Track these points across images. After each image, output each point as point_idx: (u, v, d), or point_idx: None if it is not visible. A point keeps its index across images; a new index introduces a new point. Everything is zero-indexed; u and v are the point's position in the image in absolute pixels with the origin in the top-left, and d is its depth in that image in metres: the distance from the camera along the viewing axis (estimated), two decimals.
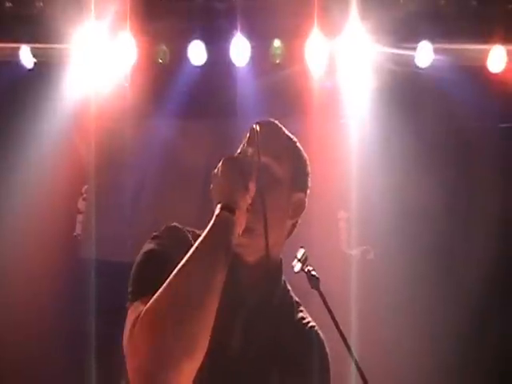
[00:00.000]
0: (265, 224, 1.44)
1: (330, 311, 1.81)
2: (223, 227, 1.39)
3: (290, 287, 1.68)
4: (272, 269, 1.57)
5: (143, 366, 1.27)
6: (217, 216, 1.40)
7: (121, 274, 1.74)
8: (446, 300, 3.80)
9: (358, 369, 1.65)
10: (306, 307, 1.72)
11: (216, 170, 1.49)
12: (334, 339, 1.70)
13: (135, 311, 1.35)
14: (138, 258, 1.52)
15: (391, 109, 3.50)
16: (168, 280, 1.32)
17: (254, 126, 1.56)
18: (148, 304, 1.31)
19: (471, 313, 3.77)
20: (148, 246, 1.52)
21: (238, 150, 1.60)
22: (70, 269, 4.43)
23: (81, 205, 4.63)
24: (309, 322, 1.65)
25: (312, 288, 1.83)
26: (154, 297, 1.31)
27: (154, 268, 1.44)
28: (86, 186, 4.60)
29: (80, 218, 4.63)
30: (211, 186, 1.50)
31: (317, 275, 1.81)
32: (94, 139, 4.46)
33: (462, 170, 3.90)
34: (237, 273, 1.50)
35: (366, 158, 3.62)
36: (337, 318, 1.94)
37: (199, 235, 1.45)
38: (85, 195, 4.62)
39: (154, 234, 1.56)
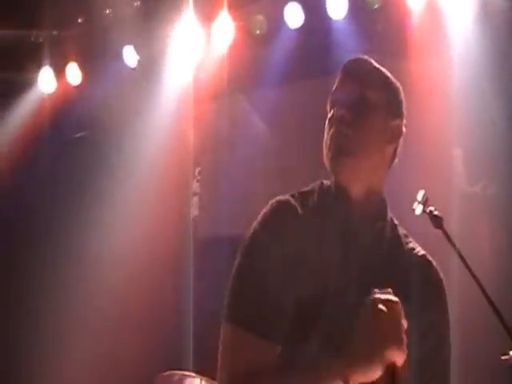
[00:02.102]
0: None
1: (457, 250, 1.80)
2: None
3: (396, 221, 1.67)
4: (377, 202, 1.59)
5: None
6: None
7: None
8: None
9: (491, 304, 1.63)
10: None
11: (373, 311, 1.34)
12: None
13: (229, 341, 1.45)
14: (238, 266, 1.51)
15: (499, 36, 3.43)
16: None
17: (348, 63, 1.65)
18: None
19: None
20: (249, 249, 1.53)
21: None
22: (190, 250, 4.60)
23: (196, 187, 4.81)
24: (419, 251, 1.64)
25: (436, 228, 1.83)
26: None
27: (251, 289, 1.46)
28: (198, 168, 4.78)
29: (196, 199, 4.81)
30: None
31: (439, 214, 1.81)
32: (200, 122, 4.64)
33: None
34: (343, 213, 1.53)
35: (477, 91, 3.56)
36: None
37: (307, 193, 1.57)
38: (198, 177, 4.80)
39: (263, 217, 1.56)
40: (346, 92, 1.58)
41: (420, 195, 1.89)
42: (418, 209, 1.88)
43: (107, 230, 4.77)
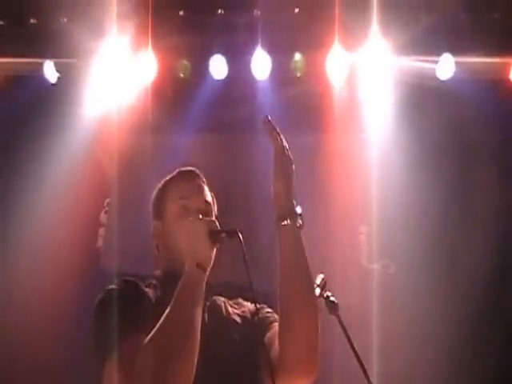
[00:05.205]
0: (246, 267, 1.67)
1: (348, 338, 1.80)
2: (198, 283, 1.68)
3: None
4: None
5: None
6: (191, 274, 1.69)
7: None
8: (467, 314, 3.77)
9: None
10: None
11: (188, 224, 1.76)
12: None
13: (130, 350, 1.58)
14: (103, 311, 1.72)
15: (412, 122, 3.48)
16: (157, 337, 1.58)
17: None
18: (139, 360, 1.55)
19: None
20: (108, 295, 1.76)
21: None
22: (91, 280, 4.46)
23: (103, 218, 4.66)
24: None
25: (330, 314, 1.82)
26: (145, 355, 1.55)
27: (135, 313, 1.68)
28: (108, 199, 4.63)
29: (102, 230, 4.66)
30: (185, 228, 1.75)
31: (335, 301, 1.80)
32: (115, 153, 4.49)
33: (485, 184, 3.86)
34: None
35: (387, 173, 3.60)
36: (357, 333, 1.93)
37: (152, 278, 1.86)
38: (107, 208, 4.65)
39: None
40: (203, 191, 1.94)
41: (319, 279, 1.88)
42: (316, 292, 1.87)
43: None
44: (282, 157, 1.77)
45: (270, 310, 1.91)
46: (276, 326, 1.80)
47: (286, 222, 1.74)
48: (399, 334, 3.74)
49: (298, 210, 1.78)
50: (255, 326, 1.81)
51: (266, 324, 1.84)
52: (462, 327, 3.75)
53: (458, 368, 3.73)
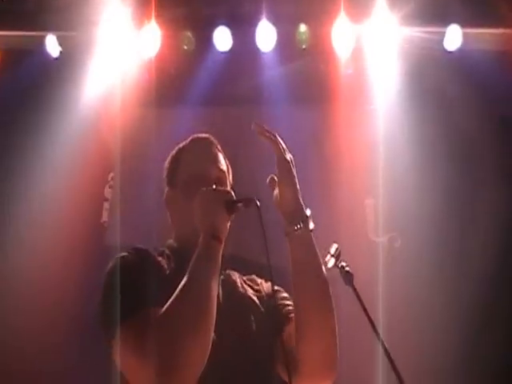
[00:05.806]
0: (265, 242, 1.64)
1: (363, 308, 1.78)
2: (214, 254, 1.64)
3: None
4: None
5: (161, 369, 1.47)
6: (207, 244, 1.65)
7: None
8: (473, 288, 3.77)
9: (391, 362, 1.65)
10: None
11: (203, 194, 1.71)
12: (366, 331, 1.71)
13: (142, 323, 1.53)
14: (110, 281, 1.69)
15: (419, 93, 3.44)
16: (172, 310, 1.53)
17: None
18: (159, 323, 1.50)
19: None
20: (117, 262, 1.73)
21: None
22: (96, 255, 4.46)
23: (107, 192, 4.65)
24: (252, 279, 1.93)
25: (346, 284, 1.81)
26: (164, 319, 1.51)
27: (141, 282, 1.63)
28: (111, 174, 4.62)
29: (106, 205, 4.65)
30: (197, 204, 1.70)
31: (351, 271, 1.79)
32: (119, 127, 4.46)
33: (490, 157, 3.84)
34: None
35: (393, 144, 3.58)
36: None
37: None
38: (111, 182, 4.64)
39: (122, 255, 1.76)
40: (217, 158, 1.88)
41: (333, 249, 1.87)
42: (330, 262, 1.86)
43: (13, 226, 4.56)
44: (283, 162, 1.73)
45: (286, 294, 1.87)
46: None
47: (297, 227, 1.72)
48: (405, 306, 3.74)
49: (308, 212, 1.75)
50: (272, 310, 1.78)
51: (284, 314, 1.80)
52: (469, 299, 3.75)
53: (465, 338, 3.74)
